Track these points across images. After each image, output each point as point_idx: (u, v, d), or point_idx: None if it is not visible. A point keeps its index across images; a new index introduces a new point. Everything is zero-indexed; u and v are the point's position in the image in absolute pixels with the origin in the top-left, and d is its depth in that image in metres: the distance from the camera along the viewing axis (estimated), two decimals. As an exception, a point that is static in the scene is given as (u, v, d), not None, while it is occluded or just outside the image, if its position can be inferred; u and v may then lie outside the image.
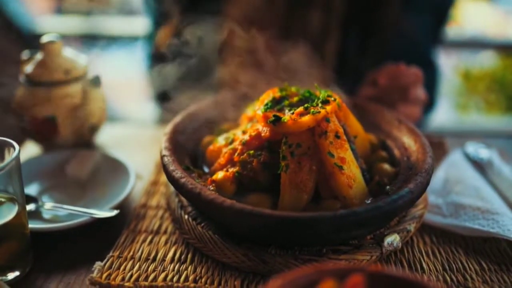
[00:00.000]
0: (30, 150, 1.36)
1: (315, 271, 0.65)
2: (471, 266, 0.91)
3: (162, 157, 0.97)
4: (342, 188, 0.89)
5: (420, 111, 1.35)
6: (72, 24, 3.62)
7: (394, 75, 1.29)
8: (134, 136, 1.48)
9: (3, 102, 1.31)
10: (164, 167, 0.95)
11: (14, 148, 0.85)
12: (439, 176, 1.16)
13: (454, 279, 0.88)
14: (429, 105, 1.74)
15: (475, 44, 3.81)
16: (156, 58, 1.83)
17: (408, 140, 1.05)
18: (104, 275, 0.87)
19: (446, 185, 1.13)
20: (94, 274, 0.87)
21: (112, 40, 3.58)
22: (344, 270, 0.66)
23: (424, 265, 0.91)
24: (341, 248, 0.89)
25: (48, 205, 1.03)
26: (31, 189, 1.13)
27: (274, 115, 0.91)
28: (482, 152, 1.27)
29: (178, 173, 0.91)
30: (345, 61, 1.61)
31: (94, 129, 1.27)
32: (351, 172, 0.91)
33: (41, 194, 1.12)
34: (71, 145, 1.27)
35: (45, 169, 1.18)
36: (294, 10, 1.60)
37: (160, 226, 1.03)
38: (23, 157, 1.24)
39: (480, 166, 1.23)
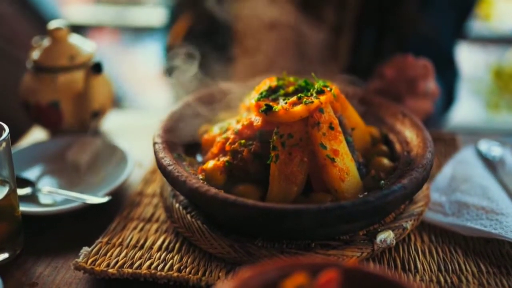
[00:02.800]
0: (37, 135, 1.38)
1: (287, 264, 0.63)
2: (468, 267, 0.86)
3: (153, 144, 0.96)
4: (333, 181, 0.86)
5: (430, 105, 1.29)
6: (105, 14, 3.67)
7: (401, 67, 1.24)
8: (141, 124, 1.48)
9: (13, 88, 1.33)
10: (154, 154, 0.94)
11: (4, 130, 0.86)
12: (445, 173, 1.11)
13: (449, 280, 0.84)
14: (448, 102, 1.68)
15: (508, 40, 3.67)
16: (171, 50, 1.83)
17: (410, 134, 1.01)
18: (90, 261, 0.87)
19: (452, 182, 1.08)
20: (80, 259, 0.87)
21: (143, 31, 3.62)
22: (318, 264, 0.63)
23: (419, 265, 0.87)
24: (330, 243, 0.86)
25: (44, 190, 1.04)
26: (32, 173, 1.14)
27: (266, 104, 0.89)
28: (495, 150, 1.21)
29: (166, 160, 0.90)
30: (359, 59, 1.57)
31: (97, 115, 1.28)
32: (344, 165, 0.88)
33: (41, 178, 1.14)
34: (75, 131, 1.28)
35: (47, 154, 1.19)
36: (307, 7, 1.57)
37: (153, 214, 1.02)
38: (29, 142, 1.26)
39: (491, 164, 1.17)
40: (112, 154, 1.17)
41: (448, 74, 1.64)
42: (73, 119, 1.25)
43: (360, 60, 1.57)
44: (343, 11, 1.53)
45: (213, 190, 0.81)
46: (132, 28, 3.65)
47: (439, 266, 0.87)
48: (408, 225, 0.92)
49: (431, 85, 1.25)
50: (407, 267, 0.87)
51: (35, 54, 1.24)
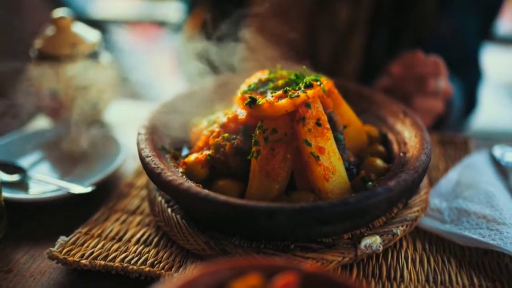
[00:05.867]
0: (40, 123, 1.38)
1: (241, 264, 0.59)
2: (459, 280, 0.80)
3: (137, 134, 0.94)
4: (317, 180, 0.81)
5: (441, 105, 1.21)
6: (138, 9, 3.70)
7: (410, 63, 1.17)
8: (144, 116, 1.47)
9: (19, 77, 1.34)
10: (136, 144, 0.91)
11: (-14, 116, 0.85)
12: (450, 178, 1.04)
13: (435, 292, 0.77)
14: (469, 106, 1.59)
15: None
16: (186, 43, 1.82)
17: (409, 135, 0.95)
18: (65, 251, 0.85)
19: (456, 188, 1.00)
20: (54, 248, 0.85)
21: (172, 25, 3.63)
22: (276, 267, 0.59)
23: (406, 274, 0.81)
24: (311, 246, 0.81)
25: (32, 176, 1.04)
26: (27, 160, 1.14)
27: (250, 97, 0.85)
28: (509, 156, 1.13)
29: (146, 151, 0.87)
30: (373, 58, 1.51)
31: (96, 105, 1.27)
32: (330, 164, 0.83)
33: (35, 165, 1.13)
34: (77, 120, 1.27)
35: (45, 142, 1.20)
36: (321, 3, 1.52)
37: (138, 206, 1.00)
38: (30, 130, 1.26)
39: (504, 171, 1.09)
40: (107, 145, 1.16)
41: (470, 76, 1.55)
42: (74, 108, 1.24)
43: (373, 60, 1.50)
44: (357, 8, 1.47)
45: (186, 184, 0.78)
46: (163, 23, 3.68)
47: (427, 277, 0.81)
48: (399, 231, 0.86)
49: (443, 83, 1.17)
50: (392, 275, 0.81)
51: (38, 43, 1.24)
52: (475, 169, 1.06)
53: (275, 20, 1.60)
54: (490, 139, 1.28)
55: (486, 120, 2.07)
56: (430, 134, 1.22)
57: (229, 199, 0.74)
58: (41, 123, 1.38)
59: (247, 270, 0.58)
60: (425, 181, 0.99)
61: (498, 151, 1.16)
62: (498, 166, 1.11)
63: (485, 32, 1.59)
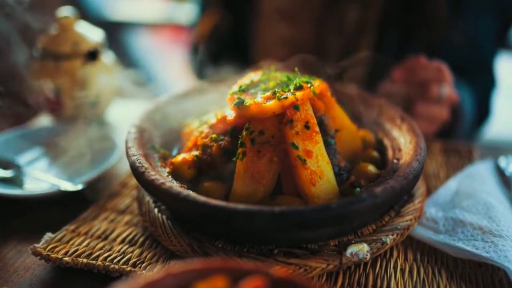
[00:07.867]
0: (43, 121, 1.40)
1: (207, 267, 0.57)
2: (448, 293, 0.77)
3: (127, 133, 0.93)
4: (303, 184, 0.79)
5: (445, 112, 1.17)
6: (163, 12, 3.74)
7: (412, 68, 1.13)
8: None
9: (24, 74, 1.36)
10: (125, 143, 0.91)
11: (-23, 111, 0.86)
12: (449, 187, 1.00)
13: (421, 305, 0.74)
14: (482, 114, 1.54)
15: None
16: (196, 47, 1.82)
17: (404, 141, 0.92)
18: (49, 247, 0.85)
19: (455, 198, 0.97)
20: (39, 245, 0.85)
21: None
22: (243, 270, 0.57)
23: (392, 284, 0.78)
24: (295, 251, 0.79)
25: (26, 173, 1.05)
26: (26, 157, 1.15)
27: (238, 98, 0.84)
28: (514, 166, 1.08)
29: (132, 150, 0.87)
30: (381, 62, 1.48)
31: (97, 104, 1.27)
32: (318, 168, 0.80)
33: (33, 162, 1.14)
34: (77, 118, 1.28)
35: (44, 139, 1.20)
36: (330, 4, 1.50)
37: (128, 206, 0.99)
38: (32, 127, 1.28)
39: (508, 181, 1.05)
40: (104, 144, 1.16)
41: (483, 84, 1.50)
42: (74, 106, 1.25)
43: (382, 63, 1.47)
44: (366, 10, 1.45)
45: (167, 184, 0.77)
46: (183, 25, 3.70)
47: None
48: (389, 239, 0.83)
49: (446, 90, 1.14)
50: (378, 285, 0.78)
51: (42, 41, 1.25)
52: (476, 179, 1.02)
53: (283, 23, 1.59)
54: (498, 148, 1.24)
55: (498, 130, 2.00)
56: (433, 142, 1.20)
57: (208, 200, 0.73)
58: (43, 120, 1.39)
59: (213, 273, 0.56)
60: (421, 189, 0.96)
61: (503, 161, 1.12)
62: (502, 176, 1.07)
63: (501, 39, 1.54)
